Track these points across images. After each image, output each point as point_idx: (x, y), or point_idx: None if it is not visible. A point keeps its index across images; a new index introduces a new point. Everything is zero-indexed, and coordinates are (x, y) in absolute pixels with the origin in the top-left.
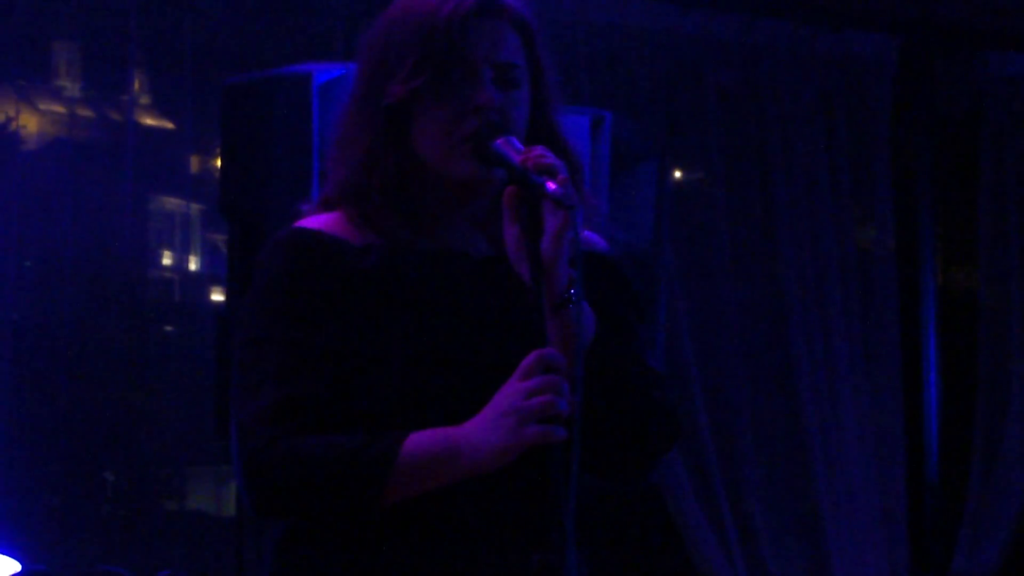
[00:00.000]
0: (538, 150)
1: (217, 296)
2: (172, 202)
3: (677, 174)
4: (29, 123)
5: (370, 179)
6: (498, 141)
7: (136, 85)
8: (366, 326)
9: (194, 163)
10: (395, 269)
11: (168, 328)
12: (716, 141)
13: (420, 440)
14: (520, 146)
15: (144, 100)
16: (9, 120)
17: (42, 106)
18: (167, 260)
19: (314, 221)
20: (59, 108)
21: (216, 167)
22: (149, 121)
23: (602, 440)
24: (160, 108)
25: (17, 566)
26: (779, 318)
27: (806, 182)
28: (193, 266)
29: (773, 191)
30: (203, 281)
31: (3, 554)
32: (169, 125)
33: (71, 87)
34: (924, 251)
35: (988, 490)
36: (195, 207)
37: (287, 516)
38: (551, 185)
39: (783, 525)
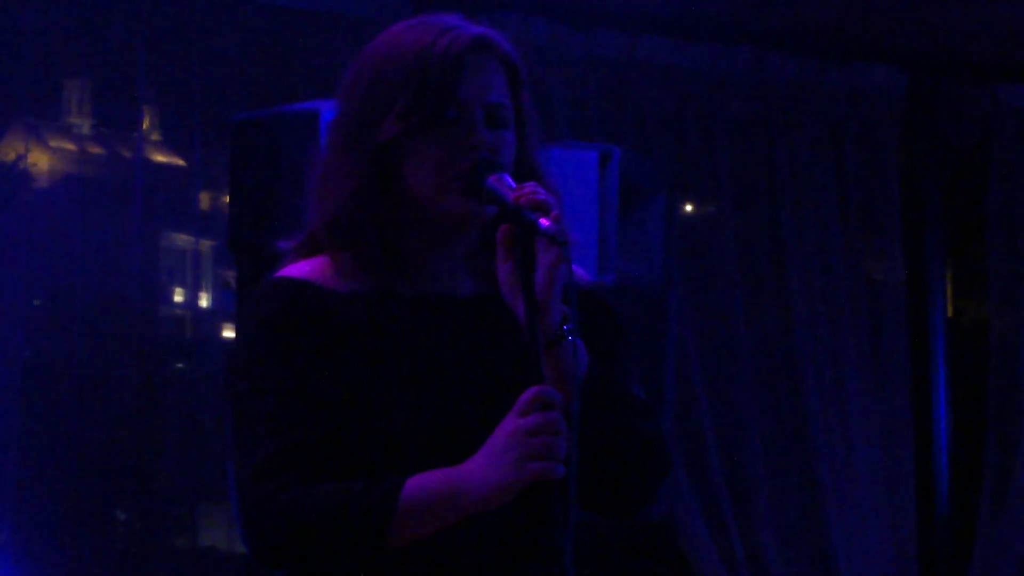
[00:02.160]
0: (530, 186)
1: (228, 332)
2: (182, 239)
3: (687, 208)
4: (39, 161)
5: (363, 216)
6: (491, 178)
7: (146, 122)
8: (358, 375)
9: (204, 200)
10: (383, 317)
11: (179, 365)
12: (726, 175)
13: (420, 483)
14: (512, 183)
15: (154, 137)
16: (20, 158)
17: (52, 143)
18: (178, 297)
19: (298, 269)
20: (69, 146)
21: (226, 203)
22: (159, 158)
23: (596, 474)
24: (170, 145)
25: None
26: (789, 350)
27: (816, 215)
28: (204, 303)
29: (783, 224)
30: (214, 318)
31: None
32: (179, 162)
33: (81, 124)
34: (934, 283)
35: (999, 522)
36: (205, 243)
37: (293, 567)
38: (544, 221)
39: (795, 557)
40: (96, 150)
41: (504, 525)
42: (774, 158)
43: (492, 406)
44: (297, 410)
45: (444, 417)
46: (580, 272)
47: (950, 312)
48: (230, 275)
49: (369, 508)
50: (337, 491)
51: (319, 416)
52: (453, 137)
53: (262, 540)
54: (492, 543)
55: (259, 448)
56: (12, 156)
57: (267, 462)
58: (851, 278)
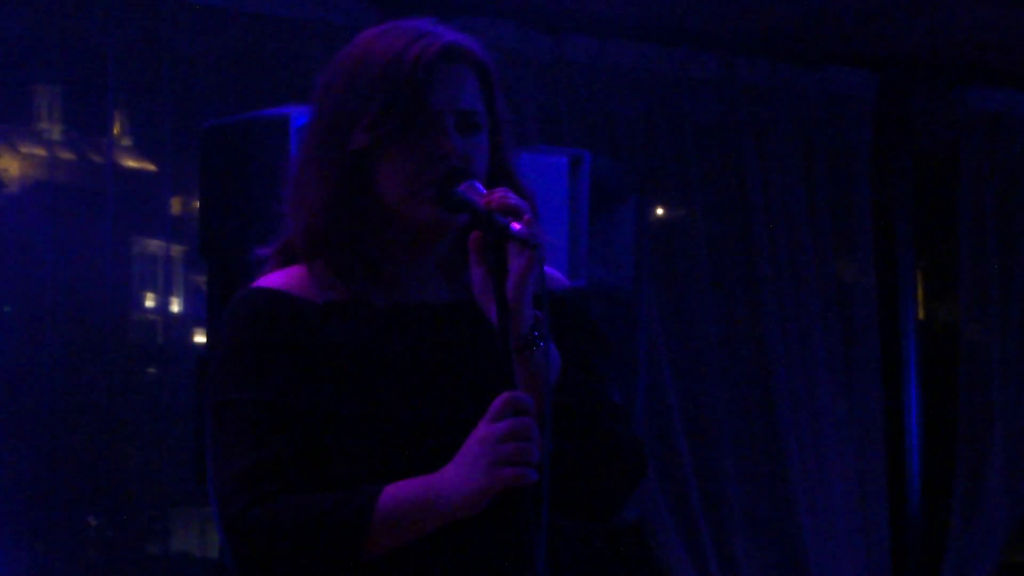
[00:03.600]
0: (500, 192)
1: (200, 338)
2: (153, 244)
3: (658, 211)
4: (10, 166)
5: (336, 224)
6: (461, 186)
7: (116, 128)
8: (334, 386)
9: (175, 205)
10: (358, 328)
11: (151, 370)
12: (696, 178)
13: (396, 492)
14: (483, 190)
15: (125, 142)
16: None
17: (23, 149)
18: (149, 302)
19: (273, 279)
20: (40, 151)
21: (197, 209)
22: (130, 163)
23: (570, 479)
24: (141, 150)
25: None
26: (760, 353)
27: (787, 218)
28: (175, 308)
29: (754, 227)
30: (186, 323)
31: None
32: (150, 167)
33: (52, 130)
34: (905, 286)
35: (971, 525)
36: (176, 249)
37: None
38: (515, 226)
39: (766, 561)
40: (66, 155)
41: (478, 531)
42: (745, 162)
43: (466, 413)
44: (275, 422)
45: (419, 426)
46: (558, 277)
47: (921, 315)
48: (201, 280)
49: (345, 518)
50: (314, 502)
51: (296, 428)
52: (424, 146)
53: (243, 551)
54: (466, 549)
55: (237, 460)
56: None
57: (246, 474)
58: (822, 281)
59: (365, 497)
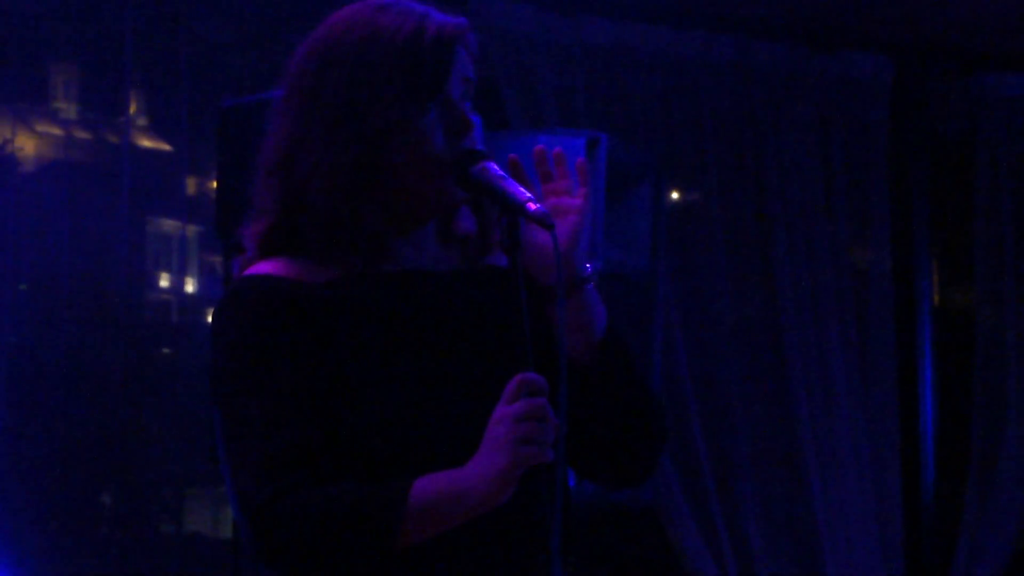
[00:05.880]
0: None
1: None
2: (169, 224)
3: (674, 195)
4: (26, 145)
5: (355, 207)
6: (478, 167)
7: (133, 107)
8: (344, 364)
9: (191, 185)
10: (363, 302)
11: (165, 350)
12: (713, 162)
13: (427, 484)
14: (497, 170)
15: (141, 122)
16: (6, 142)
17: (39, 128)
18: (164, 282)
19: (265, 267)
20: (56, 130)
21: (213, 189)
22: (146, 143)
23: (614, 431)
24: (157, 130)
25: None
26: (776, 337)
27: (803, 202)
28: (190, 288)
29: (770, 211)
30: (200, 303)
31: None
32: (166, 147)
33: (68, 109)
34: (920, 271)
35: (984, 509)
36: (192, 229)
37: (298, 569)
38: (532, 206)
39: (779, 545)
40: (83, 135)
41: (495, 510)
42: (761, 146)
43: (484, 380)
44: (288, 409)
45: (436, 396)
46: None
47: (936, 301)
48: (217, 260)
49: (377, 513)
50: (345, 494)
51: (310, 412)
52: (443, 124)
53: (270, 543)
54: (483, 528)
55: (256, 450)
56: None
57: (265, 464)
58: (837, 266)
59: (397, 490)
